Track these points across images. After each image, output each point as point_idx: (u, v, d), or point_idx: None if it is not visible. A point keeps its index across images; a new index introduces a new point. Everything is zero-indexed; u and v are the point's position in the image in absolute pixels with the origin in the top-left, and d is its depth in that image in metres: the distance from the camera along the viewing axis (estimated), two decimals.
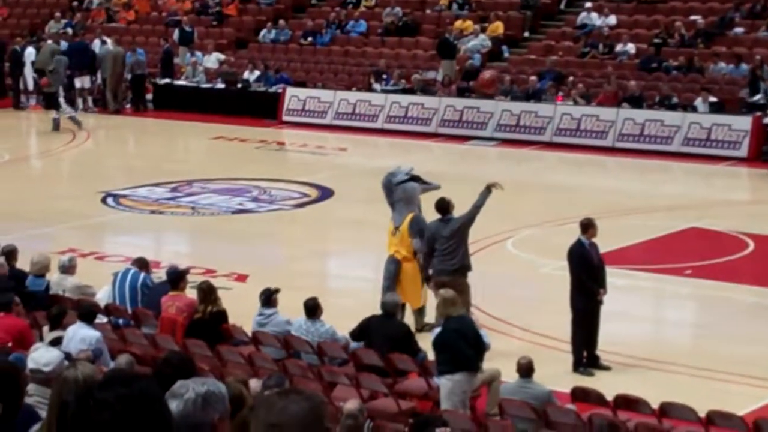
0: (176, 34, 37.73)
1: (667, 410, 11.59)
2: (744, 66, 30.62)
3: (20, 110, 36.38)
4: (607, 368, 14.51)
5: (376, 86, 33.38)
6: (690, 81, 30.97)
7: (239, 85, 34.69)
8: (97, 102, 36.11)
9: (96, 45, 36.57)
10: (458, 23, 35.34)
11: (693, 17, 33.03)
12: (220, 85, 35.05)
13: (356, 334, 13.50)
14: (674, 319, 18.19)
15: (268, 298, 14.08)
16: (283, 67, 35.48)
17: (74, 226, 22.08)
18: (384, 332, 13.18)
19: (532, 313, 16.65)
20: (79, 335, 12.11)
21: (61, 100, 33.12)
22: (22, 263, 15.17)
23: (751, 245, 20.29)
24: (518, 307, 17.03)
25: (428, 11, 37.02)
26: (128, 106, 36.02)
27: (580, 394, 12.15)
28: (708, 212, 22.92)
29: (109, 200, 23.83)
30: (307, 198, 24.40)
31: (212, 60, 36.56)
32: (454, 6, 36.35)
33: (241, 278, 18.26)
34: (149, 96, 36.08)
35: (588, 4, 34.66)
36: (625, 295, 17.33)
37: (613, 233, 19.02)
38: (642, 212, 22.96)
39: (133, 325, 14.25)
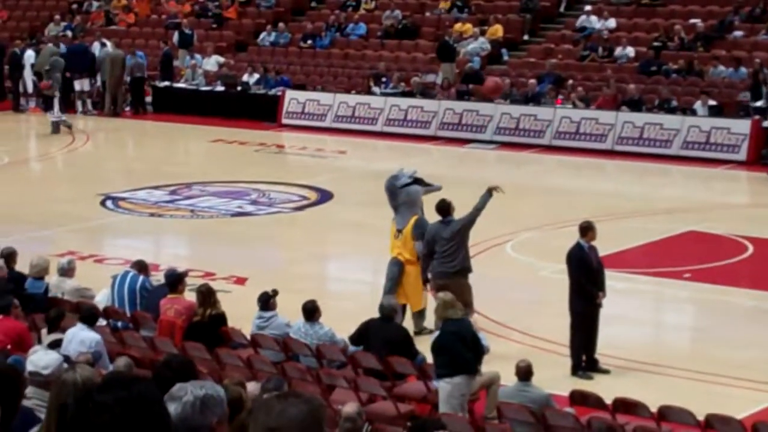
0: (176, 36, 37.74)
1: (665, 414, 11.59)
2: (743, 69, 30.63)
3: (20, 113, 36.39)
4: (605, 371, 14.50)
5: (376, 89, 33.38)
6: (689, 84, 30.98)
7: (239, 88, 34.69)
8: (96, 105, 36.11)
9: (96, 48, 36.56)
10: (458, 26, 35.35)
11: (692, 21, 33.03)
12: (220, 88, 35.06)
13: (355, 339, 13.49)
14: (673, 323, 18.19)
15: (266, 302, 14.06)
16: (282, 70, 35.48)
17: (73, 228, 22.08)
18: (382, 335, 13.17)
19: (531, 316, 16.65)
20: (79, 338, 12.10)
21: (56, 101, 33.16)
22: (21, 266, 15.17)
23: (750, 249, 20.30)
24: (517, 310, 17.04)
25: (428, 14, 37.02)
26: (127, 108, 36.03)
27: (579, 398, 12.15)
28: (707, 215, 22.92)
29: (108, 203, 23.84)
30: (306, 201, 24.41)
31: (212, 63, 36.56)
32: (454, 9, 36.36)
33: (240, 281, 18.26)
34: (148, 99, 36.07)
35: (587, 8, 34.68)
36: (624, 298, 17.34)
37: (612, 236, 19.03)
38: (641, 215, 22.96)
39: (132, 328, 14.24)
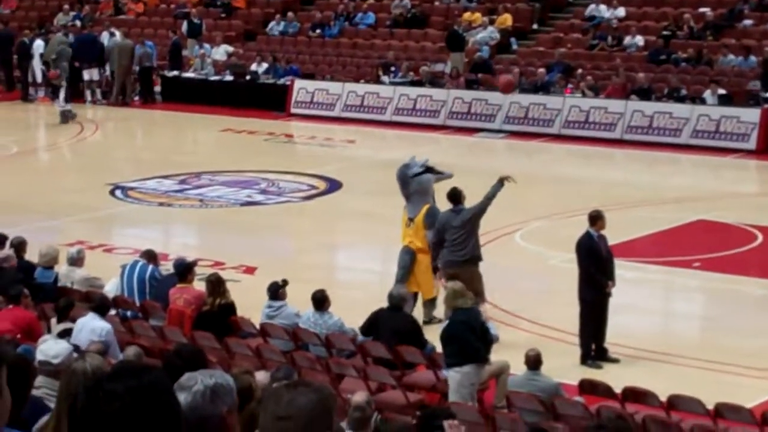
0: (185, 26, 37.73)
1: (675, 403, 11.59)
2: (753, 58, 30.56)
3: (28, 102, 36.42)
4: (615, 361, 14.49)
5: (385, 78, 33.34)
6: (699, 73, 30.91)
7: (247, 78, 34.68)
8: (105, 94, 36.12)
9: (104, 37, 36.56)
10: (467, 15, 35.30)
11: (702, 9, 32.95)
12: (229, 78, 35.04)
13: (365, 330, 13.49)
14: (682, 312, 18.18)
15: (276, 291, 14.07)
16: (291, 59, 35.47)
17: (82, 218, 22.11)
18: (391, 325, 13.17)
19: (540, 305, 16.64)
20: (89, 327, 12.12)
21: (62, 91, 33.18)
22: (31, 255, 15.21)
23: (760, 237, 20.26)
24: (526, 299, 17.03)
25: (437, 3, 36.95)
26: (136, 98, 36.04)
27: (588, 387, 12.15)
28: (716, 204, 22.88)
29: (118, 192, 23.86)
30: (315, 190, 24.40)
31: (220, 52, 36.56)
32: None
33: (250, 270, 18.27)
34: (157, 88, 36.07)
35: None
36: (633, 287, 17.32)
37: (621, 225, 19.00)
38: (650, 204, 22.93)
39: (141, 318, 14.26)
